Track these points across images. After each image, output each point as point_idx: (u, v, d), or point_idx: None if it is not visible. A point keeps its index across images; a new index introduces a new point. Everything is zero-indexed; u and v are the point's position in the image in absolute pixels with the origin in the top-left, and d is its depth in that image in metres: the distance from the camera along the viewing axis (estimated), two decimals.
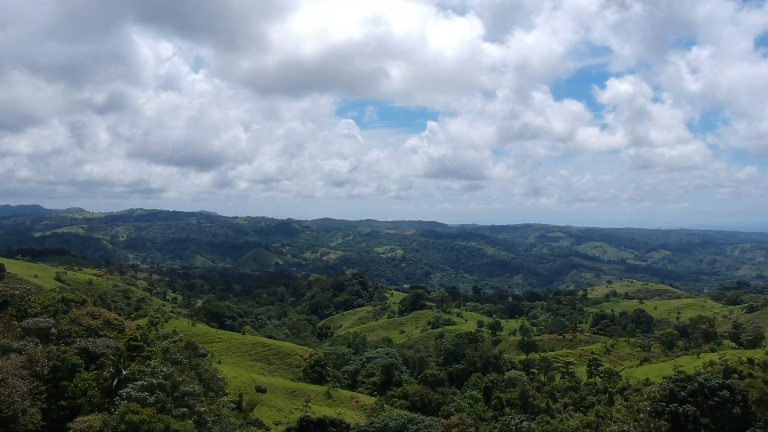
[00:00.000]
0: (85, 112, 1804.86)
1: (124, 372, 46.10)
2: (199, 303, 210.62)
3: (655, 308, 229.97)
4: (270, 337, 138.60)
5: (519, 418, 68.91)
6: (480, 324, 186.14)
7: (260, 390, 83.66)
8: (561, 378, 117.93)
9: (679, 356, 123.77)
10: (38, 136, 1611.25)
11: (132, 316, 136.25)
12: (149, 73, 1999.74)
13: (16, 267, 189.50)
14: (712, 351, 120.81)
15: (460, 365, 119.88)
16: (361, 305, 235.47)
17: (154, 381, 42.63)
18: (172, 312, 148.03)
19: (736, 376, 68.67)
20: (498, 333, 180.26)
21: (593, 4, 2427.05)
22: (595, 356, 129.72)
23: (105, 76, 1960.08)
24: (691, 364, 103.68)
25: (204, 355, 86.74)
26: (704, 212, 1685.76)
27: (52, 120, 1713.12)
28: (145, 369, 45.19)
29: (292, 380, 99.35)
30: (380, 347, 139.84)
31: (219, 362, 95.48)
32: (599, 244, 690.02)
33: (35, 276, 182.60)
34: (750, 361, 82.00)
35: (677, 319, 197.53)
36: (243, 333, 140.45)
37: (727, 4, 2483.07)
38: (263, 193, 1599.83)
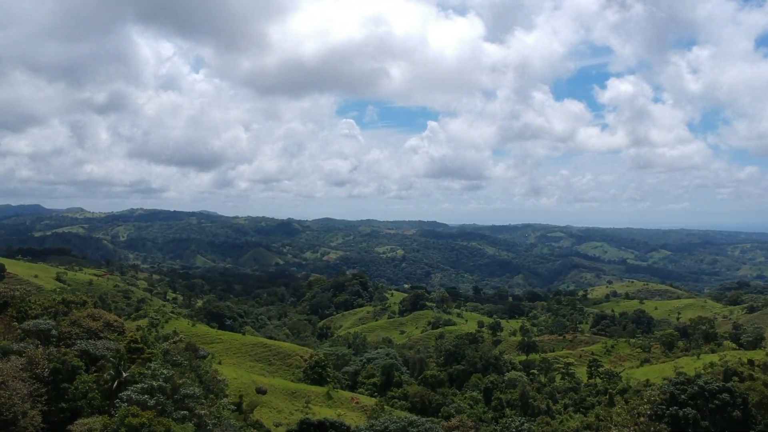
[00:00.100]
0: (85, 112, 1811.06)
1: (124, 374, 46.07)
2: (200, 303, 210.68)
3: (656, 308, 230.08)
4: (270, 338, 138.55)
5: (519, 421, 69.03)
6: (480, 324, 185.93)
7: (260, 391, 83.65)
8: (561, 379, 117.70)
9: (679, 357, 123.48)
10: (39, 136, 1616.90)
11: (132, 316, 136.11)
12: (149, 73, 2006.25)
13: (16, 267, 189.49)
14: (713, 352, 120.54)
15: (460, 366, 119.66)
16: (362, 305, 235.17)
17: (155, 383, 42.58)
18: (172, 312, 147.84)
19: (736, 378, 68.62)
20: (498, 333, 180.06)
21: (594, 4, 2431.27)
22: (596, 357, 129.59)
23: (105, 76, 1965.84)
24: (691, 365, 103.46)
25: (204, 357, 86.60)
26: (705, 212, 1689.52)
27: (53, 120, 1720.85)
28: (146, 371, 45.13)
29: (292, 381, 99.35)
30: (380, 348, 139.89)
31: (219, 363, 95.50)
32: (599, 244, 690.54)
33: (36, 276, 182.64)
34: (750, 362, 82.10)
35: (677, 319, 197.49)
36: (243, 333, 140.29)
37: (728, 4, 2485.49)
38: (263, 193, 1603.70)
